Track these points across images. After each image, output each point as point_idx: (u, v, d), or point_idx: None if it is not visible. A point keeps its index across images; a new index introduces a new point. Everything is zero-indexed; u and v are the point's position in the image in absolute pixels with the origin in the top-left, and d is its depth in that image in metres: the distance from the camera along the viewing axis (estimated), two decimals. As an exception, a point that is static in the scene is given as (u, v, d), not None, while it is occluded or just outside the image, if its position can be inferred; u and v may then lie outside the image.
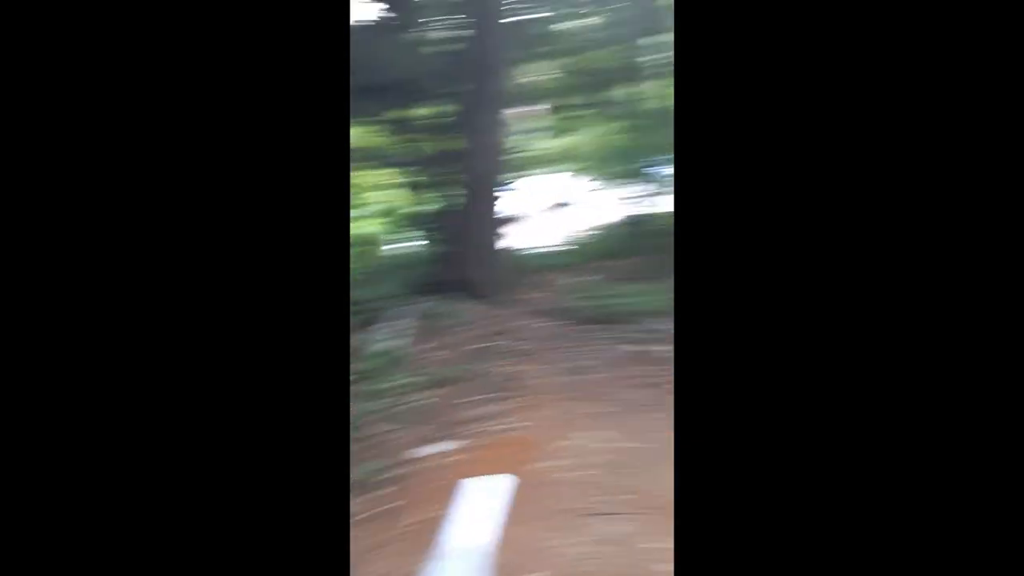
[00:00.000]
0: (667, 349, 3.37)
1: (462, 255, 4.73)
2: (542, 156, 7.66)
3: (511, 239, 5.39)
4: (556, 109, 6.97)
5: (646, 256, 5.29)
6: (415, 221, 5.42)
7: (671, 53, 5.59)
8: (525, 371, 3.40)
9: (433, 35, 5.11)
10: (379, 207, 6.12)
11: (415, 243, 5.70)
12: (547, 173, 7.93)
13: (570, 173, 6.76)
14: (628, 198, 6.29)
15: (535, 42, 5.73)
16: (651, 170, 5.71)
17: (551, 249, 6.57)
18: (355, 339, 3.27)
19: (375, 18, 4.66)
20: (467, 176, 4.73)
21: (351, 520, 1.71)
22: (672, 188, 6.16)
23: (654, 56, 5.90)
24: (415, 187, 5.15)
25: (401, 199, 5.63)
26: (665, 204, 6.29)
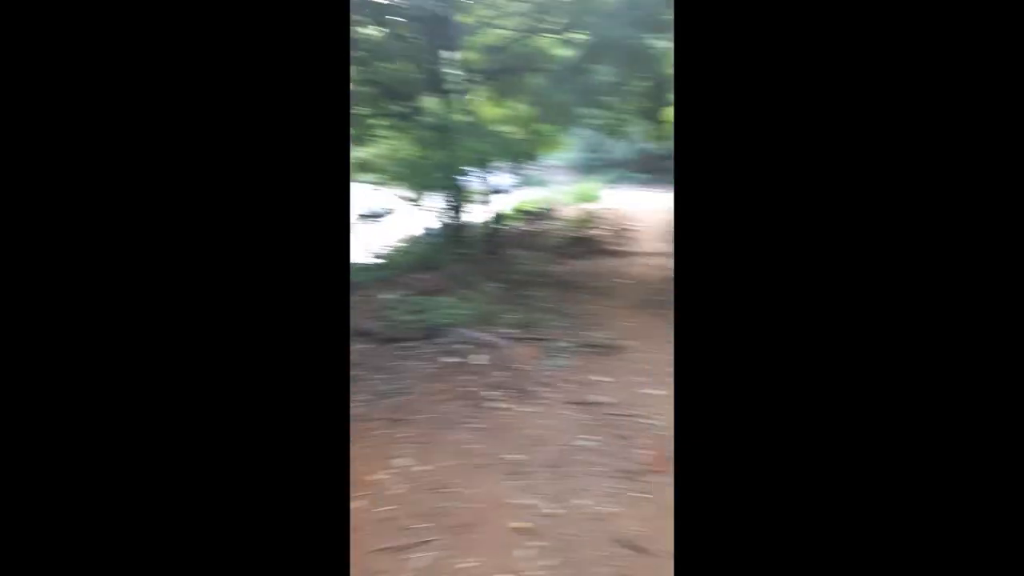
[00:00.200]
0: (485, 357, 3.38)
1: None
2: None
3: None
4: (356, 119, 6.60)
5: (457, 266, 5.32)
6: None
7: (467, 69, 5.87)
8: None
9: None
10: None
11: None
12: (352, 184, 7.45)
13: (373, 185, 6.46)
14: (436, 209, 6.29)
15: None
16: (460, 181, 5.81)
17: (358, 264, 6.16)
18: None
19: None
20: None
21: None
22: (477, 197, 6.38)
23: (455, 71, 6.05)
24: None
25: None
26: (478, 213, 6.48)
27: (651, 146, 11.14)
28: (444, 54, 5.86)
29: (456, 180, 5.45)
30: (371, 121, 5.84)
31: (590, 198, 9.88)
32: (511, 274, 5.32)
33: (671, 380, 2.83)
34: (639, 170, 12.65)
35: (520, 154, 5.95)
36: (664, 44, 5.09)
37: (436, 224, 6.50)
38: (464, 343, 3.59)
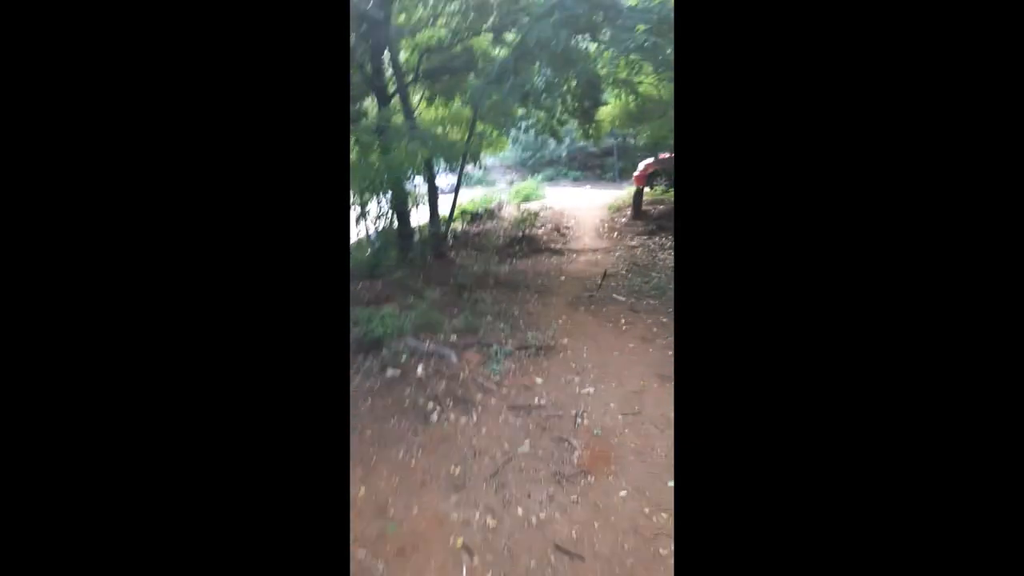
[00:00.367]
0: (427, 368, 3.37)
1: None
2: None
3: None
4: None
5: (401, 272, 5.25)
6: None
7: (405, 71, 5.74)
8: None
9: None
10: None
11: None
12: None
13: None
14: (378, 214, 6.15)
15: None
16: (402, 184, 5.70)
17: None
18: None
19: None
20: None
21: None
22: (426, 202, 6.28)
23: (393, 72, 5.91)
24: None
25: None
26: (421, 216, 6.37)
27: (585, 144, 11.39)
28: (381, 56, 5.71)
29: (397, 183, 5.34)
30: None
31: (533, 197, 9.99)
32: (455, 277, 5.31)
33: (601, 377, 2.93)
34: (574, 168, 12.92)
35: (461, 155, 5.93)
36: (593, 46, 5.23)
37: (379, 229, 6.36)
38: (407, 354, 3.57)
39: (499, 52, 5.94)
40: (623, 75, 5.79)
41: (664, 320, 4.08)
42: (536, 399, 3.06)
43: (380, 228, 6.30)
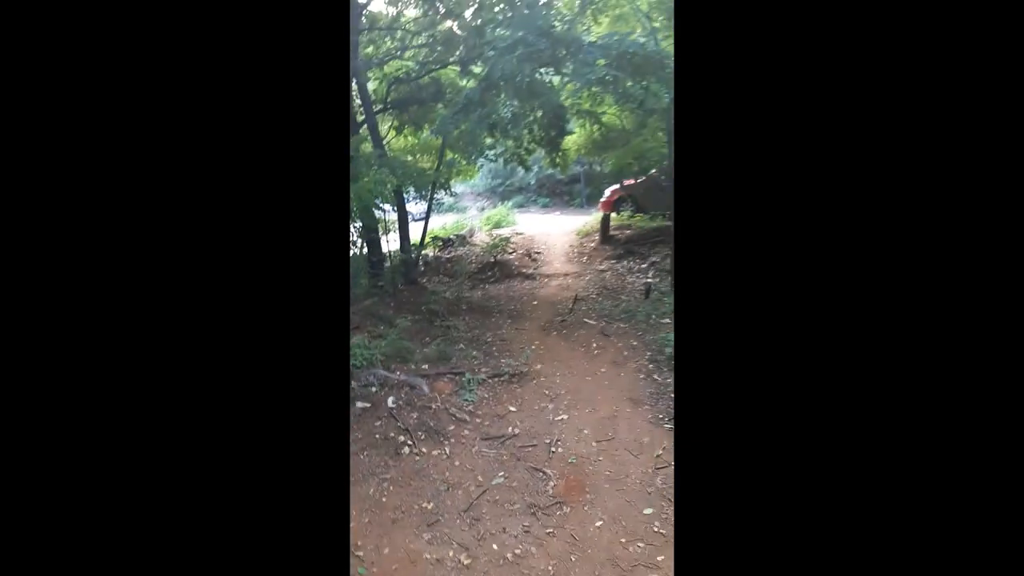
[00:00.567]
0: (398, 399, 3.29)
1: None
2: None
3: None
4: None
5: (371, 301, 5.17)
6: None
7: (374, 100, 5.79)
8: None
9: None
10: None
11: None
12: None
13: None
14: (349, 242, 6.08)
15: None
16: (372, 212, 5.66)
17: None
18: None
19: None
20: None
21: None
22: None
23: (361, 102, 5.93)
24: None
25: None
26: (392, 244, 6.32)
27: (553, 172, 11.64)
28: (351, 85, 5.74)
29: (367, 211, 5.31)
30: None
31: (504, 223, 10.09)
32: (427, 304, 5.26)
33: (575, 403, 2.93)
34: (543, 195, 13.17)
35: (430, 183, 5.96)
36: (556, 78, 5.41)
37: (349, 257, 6.27)
38: (377, 385, 3.49)
39: (467, 83, 6.07)
40: (586, 106, 5.99)
41: (634, 344, 4.13)
42: (510, 428, 3.03)
43: (350, 255, 6.22)
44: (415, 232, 6.78)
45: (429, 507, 2.36)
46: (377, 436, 2.96)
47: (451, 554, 2.07)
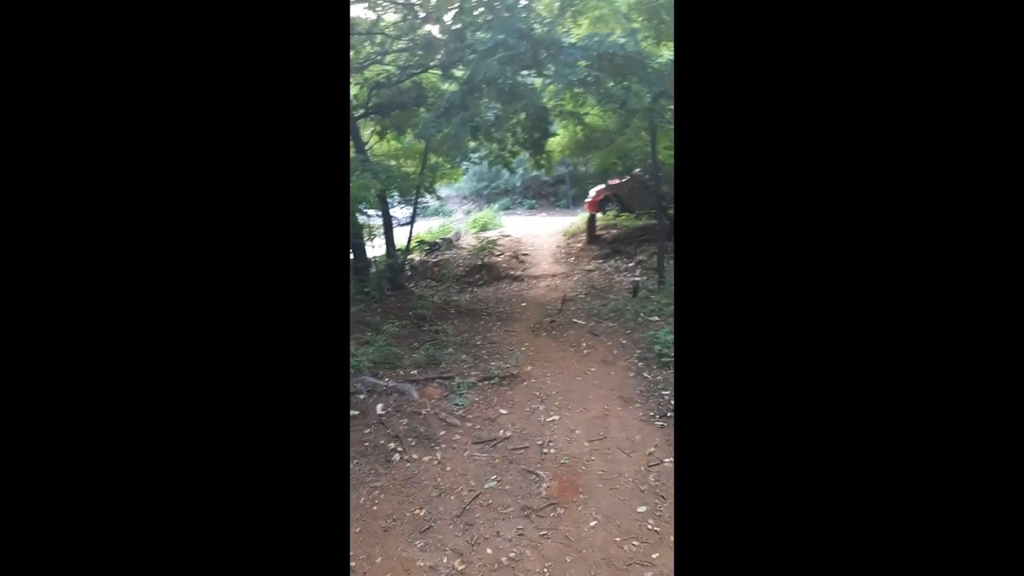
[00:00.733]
0: (387, 406, 3.26)
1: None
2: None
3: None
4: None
5: (358, 307, 5.11)
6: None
7: (355, 105, 5.72)
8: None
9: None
10: None
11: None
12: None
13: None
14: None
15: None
16: (357, 217, 5.61)
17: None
18: None
19: None
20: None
21: None
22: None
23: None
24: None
25: None
26: (378, 248, 6.26)
27: (538, 174, 11.67)
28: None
29: (352, 217, 5.26)
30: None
31: (490, 225, 10.08)
32: (415, 308, 5.22)
33: (566, 404, 2.93)
34: (529, 196, 13.19)
35: (415, 187, 5.92)
36: (538, 80, 5.42)
37: (349, 258, 6.19)
38: (366, 392, 3.44)
39: (449, 87, 6.05)
40: (569, 107, 6.01)
41: (624, 342, 4.14)
42: (501, 431, 3.01)
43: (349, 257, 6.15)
44: (400, 237, 6.73)
45: (421, 514, 2.33)
46: (367, 444, 2.92)
47: (445, 560, 2.05)
